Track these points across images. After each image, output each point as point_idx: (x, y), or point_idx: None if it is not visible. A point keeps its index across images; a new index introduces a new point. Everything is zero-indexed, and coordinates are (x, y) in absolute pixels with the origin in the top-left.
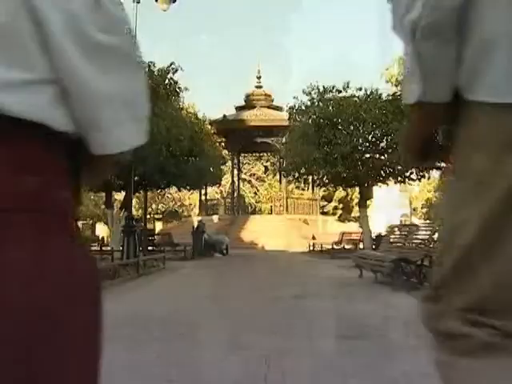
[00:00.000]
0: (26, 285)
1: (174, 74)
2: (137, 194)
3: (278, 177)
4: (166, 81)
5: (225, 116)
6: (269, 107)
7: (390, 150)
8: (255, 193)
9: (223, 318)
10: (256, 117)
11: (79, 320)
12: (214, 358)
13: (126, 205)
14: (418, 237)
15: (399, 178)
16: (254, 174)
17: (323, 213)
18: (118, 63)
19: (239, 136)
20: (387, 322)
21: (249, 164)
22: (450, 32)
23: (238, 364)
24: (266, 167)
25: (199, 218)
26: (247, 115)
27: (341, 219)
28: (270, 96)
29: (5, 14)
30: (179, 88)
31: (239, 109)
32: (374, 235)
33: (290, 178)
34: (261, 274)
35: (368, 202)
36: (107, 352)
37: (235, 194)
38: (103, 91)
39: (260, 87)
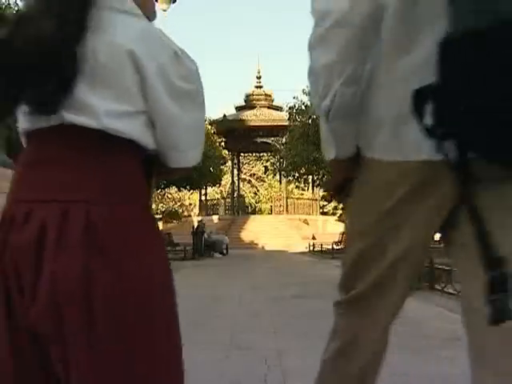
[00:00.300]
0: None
1: None
2: None
3: (278, 177)
4: None
5: (225, 116)
6: (269, 107)
7: None
8: (255, 193)
9: (223, 317)
10: (256, 117)
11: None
12: (213, 357)
13: None
14: None
15: None
16: (254, 174)
17: (323, 213)
18: (191, 102)
19: (239, 136)
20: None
21: (249, 164)
22: (352, 114)
23: (238, 364)
24: (265, 167)
25: (199, 218)
26: (247, 115)
27: (341, 219)
28: (270, 96)
29: (105, 55)
30: None
31: (239, 109)
32: None
33: (290, 178)
34: (261, 273)
35: None
36: None
37: (235, 194)
38: (183, 123)
39: (260, 87)
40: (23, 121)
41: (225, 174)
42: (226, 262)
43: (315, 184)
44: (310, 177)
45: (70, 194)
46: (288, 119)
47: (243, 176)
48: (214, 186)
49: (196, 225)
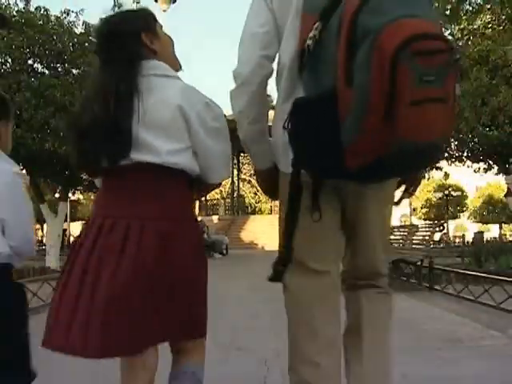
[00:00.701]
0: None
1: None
2: None
3: None
4: None
5: (224, 115)
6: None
7: None
8: (255, 193)
9: (222, 318)
10: None
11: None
12: (212, 359)
13: None
14: (418, 237)
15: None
16: (254, 174)
17: None
18: (220, 136)
19: (237, 136)
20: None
21: (249, 164)
22: (262, 141)
23: (238, 365)
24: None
25: (199, 218)
26: None
27: None
28: (269, 96)
29: (162, 110)
30: None
31: None
32: None
33: None
34: (260, 274)
35: None
36: None
37: (235, 195)
38: (216, 151)
39: None
40: (103, 161)
41: None
42: (225, 262)
43: None
44: None
45: (144, 212)
46: None
47: (243, 176)
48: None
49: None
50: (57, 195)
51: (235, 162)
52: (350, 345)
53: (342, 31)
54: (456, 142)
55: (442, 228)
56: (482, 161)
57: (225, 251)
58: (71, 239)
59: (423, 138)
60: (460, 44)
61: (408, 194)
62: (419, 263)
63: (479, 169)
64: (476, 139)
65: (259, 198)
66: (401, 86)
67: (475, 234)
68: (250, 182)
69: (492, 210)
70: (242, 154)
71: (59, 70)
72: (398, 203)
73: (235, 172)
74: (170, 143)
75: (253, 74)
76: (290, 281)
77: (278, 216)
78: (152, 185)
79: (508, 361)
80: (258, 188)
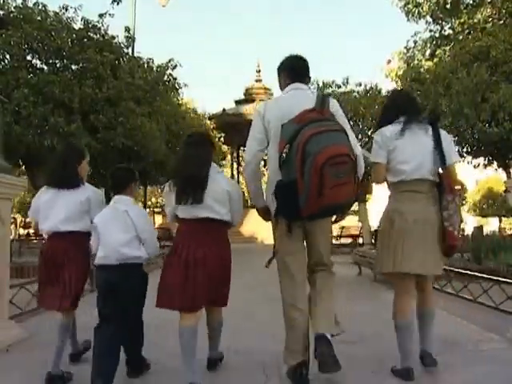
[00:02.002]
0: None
1: (173, 70)
2: None
3: None
4: (165, 77)
5: (224, 110)
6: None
7: None
8: None
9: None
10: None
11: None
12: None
13: None
14: None
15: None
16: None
17: None
18: (240, 202)
19: (239, 130)
20: (386, 326)
21: None
22: (259, 194)
23: (236, 370)
24: (265, 161)
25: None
26: (246, 109)
27: None
28: (269, 90)
29: (218, 191)
30: (178, 84)
31: (239, 103)
32: (373, 229)
33: None
34: (258, 270)
35: (368, 196)
36: None
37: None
38: (237, 207)
39: (259, 81)
40: (180, 212)
41: (224, 167)
42: None
43: None
44: None
45: (211, 243)
46: None
47: (242, 169)
48: None
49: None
50: None
51: (235, 155)
52: (312, 298)
53: (298, 151)
54: (456, 138)
55: None
56: (481, 156)
57: None
58: None
59: (336, 202)
60: (461, 38)
61: (336, 221)
62: None
63: (479, 164)
64: (476, 135)
65: None
66: (325, 180)
67: (474, 228)
68: None
69: (491, 203)
70: (241, 148)
71: (58, 65)
72: (333, 223)
73: (235, 165)
74: (222, 208)
75: (252, 160)
76: (280, 260)
77: None
78: (217, 226)
79: (508, 366)
80: None
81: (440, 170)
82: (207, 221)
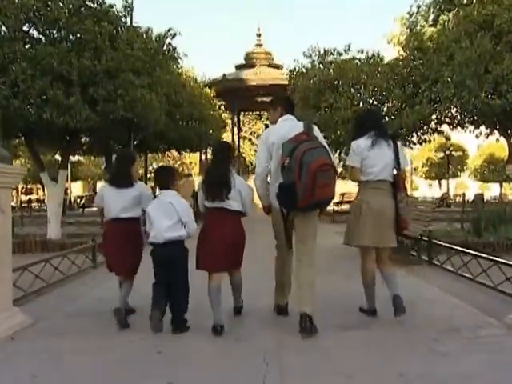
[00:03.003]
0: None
1: (172, 38)
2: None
3: None
4: (165, 46)
5: (224, 75)
6: (269, 66)
7: (391, 115)
8: (256, 150)
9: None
10: (256, 76)
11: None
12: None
13: None
14: (418, 208)
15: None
16: (255, 133)
17: None
18: (250, 197)
19: (239, 95)
20: (385, 307)
21: (249, 123)
22: (265, 194)
23: (237, 360)
24: (266, 125)
25: (200, 178)
26: (247, 74)
27: (342, 176)
28: (270, 54)
29: (234, 192)
30: (178, 54)
31: (239, 68)
32: None
33: None
34: (257, 241)
35: None
36: None
37: (235, 154)
38: (248, 204)
39: (260, 45)
40: (207, 204)
41: (225, 131)
42: None
43: None
44: None
45: (231, 225)
46: (288, 83)
47: (243, 134)
48: None
49: (197, 188)
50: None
51: (235, 120)
52: (296, 265)
53: (296, 162)
54: (458, 108)
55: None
56: (483, 125)
57: None
58: (72, 199)
59: (323, 198)
60: (465, 1)
61: (321, 214)
62: (419, 237)
63: (481, 133)
64: (478, 106)
65: None
66: (317, 181)
67: (475, 196)
68: (250, 139)
69: (493, 169)
70: (241, 113)
71: (55, 36)
72: (319, 215)
73: (235, 130)
74: (236, 201)
75: (262, 172)
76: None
77: None
78: (231, 214)
79: (507, 355)
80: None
81: (395, 172)
82: (224, 210)
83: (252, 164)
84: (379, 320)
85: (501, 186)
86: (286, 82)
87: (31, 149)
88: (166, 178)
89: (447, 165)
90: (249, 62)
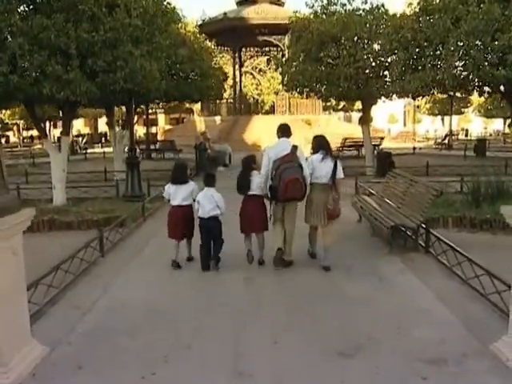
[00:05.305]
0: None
1: None
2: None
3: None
4: (163, 8)
5: (225, 14)
6: (270, 2)
7: (394, 79)
8: (257, 84)
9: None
10: (257, 14)
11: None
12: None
13: (129, 133)
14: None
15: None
16: (256, 67)
17: (326, 108)
18: (260, 183)
19: (240, 33)
20: (375, 328)
21: (249, 59)
22: (267, 181)
23: None
24: (268, 59)
25: (202, 125)
26: (248, 12)
27: (344, 109)
28: None
29: (254, 185)
30: (177, 15)
31: (240, 4)
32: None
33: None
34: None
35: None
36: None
37: (237, 94)
38: (262, 185)
39: None
40: (239, 193)
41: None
42: (228, 175)
43: (317, 97)
44: (313, 93)
45: (253, 204)
46: (290, 37)
47: (245, 69)
48: (217, 99)
49: (198, 142)
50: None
51: (236, 56)
52: (285, 226)
53: (277, 175)
54: (461, 79)
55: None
56: (487, 88)
57: (228, 161)
58: (73, 138)
59: (293, 196)
60: None
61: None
62: (416, 227)
63: (484, 92)
64: (482, 76)
65: (261, 90)
66: (288, 188)
67: (478, 142)
68: (251, 74)
69: (497, 104)
70: (243, 49)
71: (53, 6)
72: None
73: (236, 67)
74: (258, 189)
75: (265, 173)
76: (274, 215)
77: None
78: (255, 197)
79: None
80: (260, 80)
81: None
82: (251, 195)
83: (253, 99)
84: (368, 348)
85: (504, 122)
86: (287, 22)
87: (33, 116)
88: (210, 181)
89: (451, 103)
90: None
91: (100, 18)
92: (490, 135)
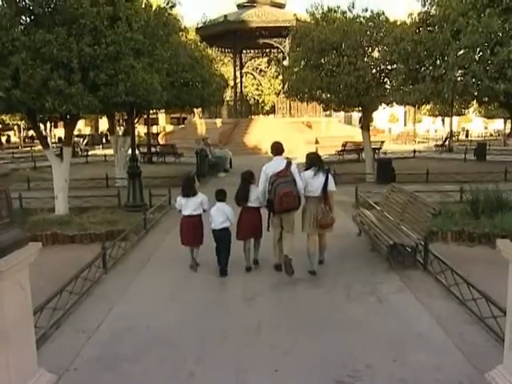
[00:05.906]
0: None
1: (171, 9)
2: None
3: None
4: (164, 19)
5: (226, 16)
6: (271, 5)
7: (394, 89)
8: (258, 85)
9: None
10: (258, 17)
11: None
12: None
13: (130, 140)
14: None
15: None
16: (257, 68)
17: (326, 109)
18: (258, 196)
19: (240, 36)
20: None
21: (250, 60)
22: (264, 195)
23: None
24: (269, 59)
25: (203, 128)
26: (248, 15)
27: (345, 109)
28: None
29: (253, 196)
30: (179, 24)
31: (241, 7)
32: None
33: (293, 99)
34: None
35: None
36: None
37: (238, 95)
38: (261, 199)
39: None
40: (239, 204)
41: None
42: (228, 181)
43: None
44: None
45: (254, 215)
46: (290, 45)
47: (245, 70)
48: (218, 105)
49: (199, 148)
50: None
51: (237, 58)
52: (282, 240)
53: (273, 189)
54: (460, 92)
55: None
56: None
57: (229, 166)
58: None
59: (287, 208)
60: None
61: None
62: (415, 246)
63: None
64: (481, 88)
65: (262, 91)
66: (282, 201)
67: (478, 145)
68: (252, 74)
69: (497, 105)
70: (243, 51)
71: (55, 21)
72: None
73: (237, 69)
74: (256, 202)
75: (263, 189)
76: (273, 226)
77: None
78: (253, 209)
79: None
80: (260, 81)
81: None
82: (249, 207)
83: (254, 99)
84: (366, 376)
85: (505, 122)
86: (288, 24)
87: (35, 127)
88: (222, 197)
89: (451, 105)
90: (250, 0)
91: (102, 32)
92: (491, 135)
